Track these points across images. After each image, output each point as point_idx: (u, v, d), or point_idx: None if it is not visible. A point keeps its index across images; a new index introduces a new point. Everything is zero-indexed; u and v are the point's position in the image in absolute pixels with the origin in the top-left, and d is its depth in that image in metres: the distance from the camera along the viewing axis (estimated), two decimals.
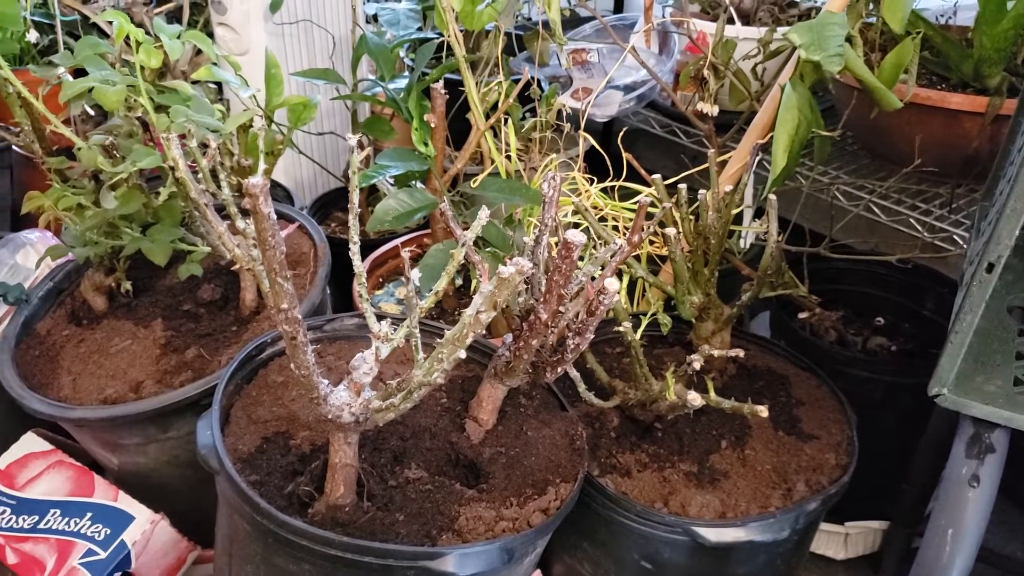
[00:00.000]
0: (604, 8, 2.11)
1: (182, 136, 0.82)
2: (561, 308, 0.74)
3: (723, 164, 1.16)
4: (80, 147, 0.81)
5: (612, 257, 0.84)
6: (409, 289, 0.65)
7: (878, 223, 1.19)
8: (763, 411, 0.76)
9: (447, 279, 0.70)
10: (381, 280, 1.36)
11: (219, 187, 0.80)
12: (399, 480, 0.80)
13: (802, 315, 1.17)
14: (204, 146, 0.80)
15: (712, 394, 0.81)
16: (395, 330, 0.68)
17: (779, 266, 1.13)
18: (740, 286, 1.04)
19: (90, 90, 0.78)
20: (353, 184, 0.62)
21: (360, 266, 0.64)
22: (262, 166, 0.90)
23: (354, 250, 0.64)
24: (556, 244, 0.85)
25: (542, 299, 0.74)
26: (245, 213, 0.71)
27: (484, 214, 0.68)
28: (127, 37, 0.78)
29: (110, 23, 1.06)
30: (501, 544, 0.71)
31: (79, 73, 0.89)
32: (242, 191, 0.98)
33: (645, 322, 0.97)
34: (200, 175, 0.81)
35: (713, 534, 0.83)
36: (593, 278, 0.77)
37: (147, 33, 0.82)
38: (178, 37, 0.82)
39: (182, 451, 0.95)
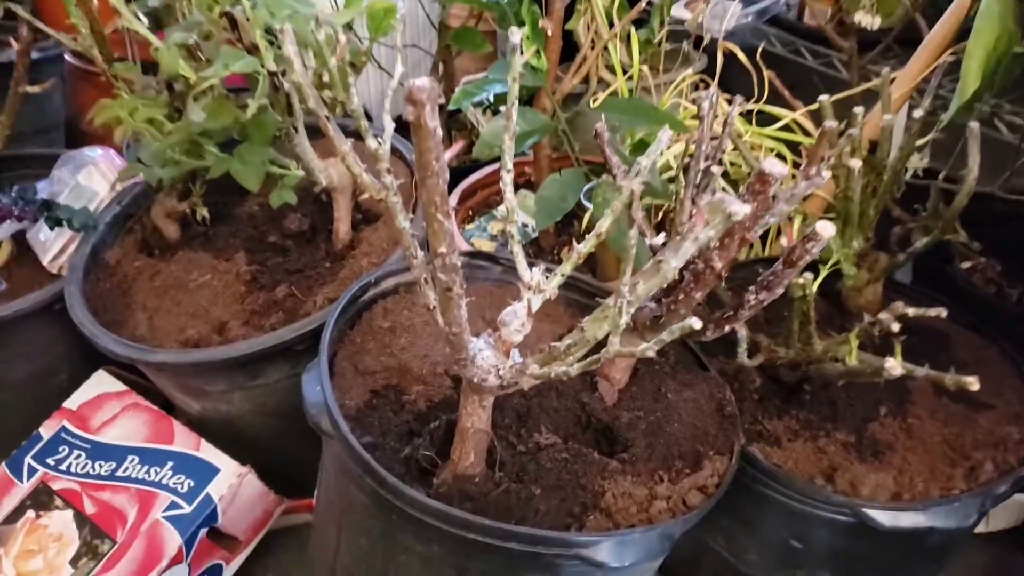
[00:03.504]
0: None
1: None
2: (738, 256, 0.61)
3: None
4: (157, 48, 0.69)
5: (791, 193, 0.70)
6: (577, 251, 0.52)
7: None
8: (973, 383, 0.63)
9: (611, 217, 0.57)
10: (471, 213, 1.23)
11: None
12: (528, 445, 0.69)
13: (964, 264, 1.03)
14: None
15: (900, 358, 0.68)
16: (547, 278, 0.56)
17: (937, 207, 0.98)
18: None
19: None
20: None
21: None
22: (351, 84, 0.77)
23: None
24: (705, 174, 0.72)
25: (718, 244, 0.61)
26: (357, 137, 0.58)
27: (658, 146, 0.55)
28: None
29: None
30: (662, 530, 0.61)
31: None
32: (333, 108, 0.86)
33: (825, 271, 0.82)
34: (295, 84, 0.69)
35: (888, 518, 0.71)
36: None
37: None
38: None
39: (270, 399, 0.86)
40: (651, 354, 0.49)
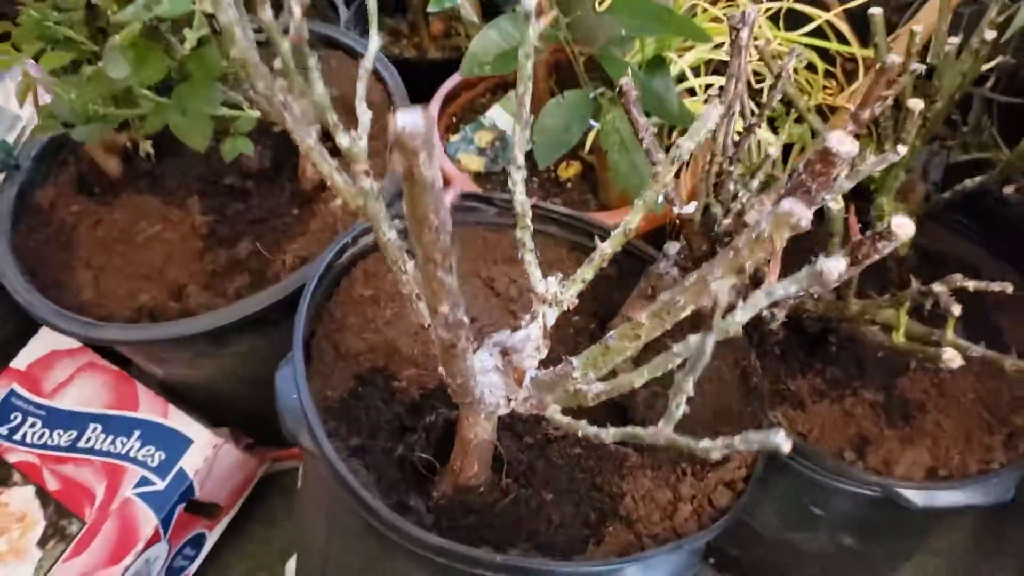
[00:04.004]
0: None
1: None
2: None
3: None
4: None
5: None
6: None
7: None
8: None
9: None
10: (455, 120, 1.09)
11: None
12: (536, 437, 0.62)
13: (1007, 189, 0.93)
14: None
15: (953, 334, 0.60)
16: (564, 288, 0.46)
17: (980, 121, 0.87)
18: None
19: None
20: None
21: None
22: None
23: None
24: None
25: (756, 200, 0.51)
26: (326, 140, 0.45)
27: (703, 127, 0.43)
28: None
29: None
30: (689, 546, 0.54)
31: None
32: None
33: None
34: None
35: (922, 498, 0.66)
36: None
37: None
38: None
39: (241, 366, 0.77)
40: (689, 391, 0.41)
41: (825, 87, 0.89)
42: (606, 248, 0.46)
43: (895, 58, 0.58)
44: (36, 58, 0.58)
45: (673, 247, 0.65)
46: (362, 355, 0.64)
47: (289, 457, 0.97)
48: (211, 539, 0.88)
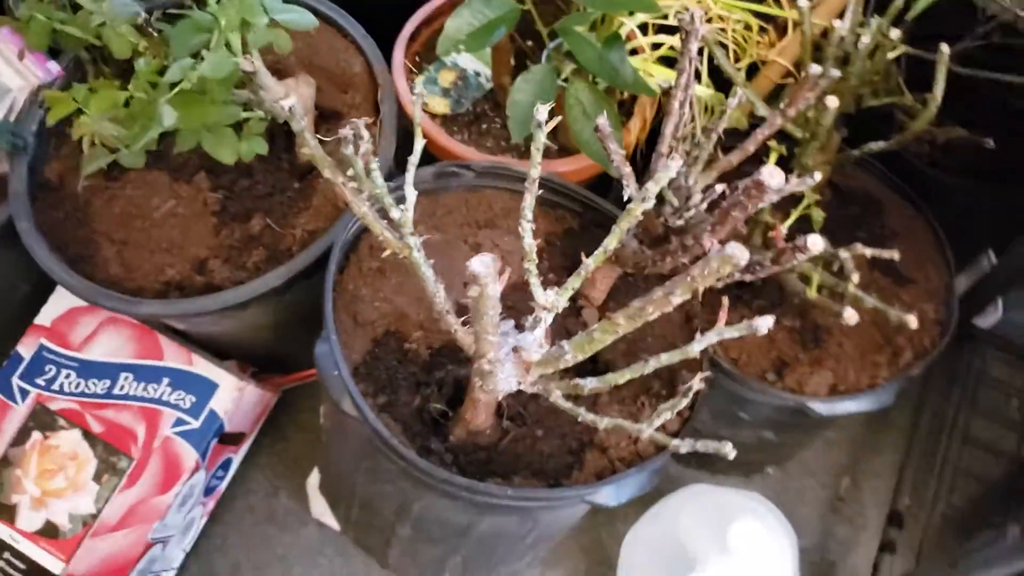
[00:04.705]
0: None
1: None
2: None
3: None
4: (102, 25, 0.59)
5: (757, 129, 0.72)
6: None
7: None
8: (912, 321, 0.73)
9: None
10: (417, 58, 1.15)
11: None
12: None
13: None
14: None
15: (854, 290, 0.76)
16: (559, 296, 0.59)
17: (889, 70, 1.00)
18: None
19: None
20: None
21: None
22: None
23: None
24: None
25: (711, 227, 0.64)
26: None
27: (666, 173, 0.55)
28: None
29: None
30: (652, 468, 0.71)
31: None
32: None
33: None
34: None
35: (826, 408, 0.84)
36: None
37: None
38: None
39: (261, 319, 0.88)
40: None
41: (758, 42, 1.00)
42: (589, 264, 0.59)
43: (817, 69, 0.70)
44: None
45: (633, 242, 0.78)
46: (376, 322, 0.77)
47: (291, 382, 1.10)
48: (236, 460, 1.03)
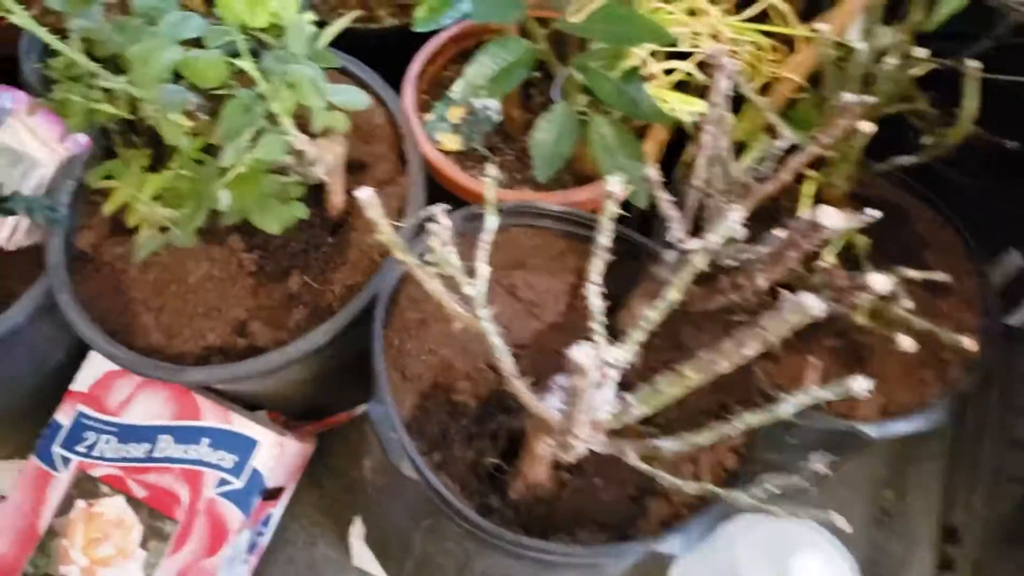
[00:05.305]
0: None
1: None
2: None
3: None
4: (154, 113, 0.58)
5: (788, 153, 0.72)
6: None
7: None
8: (969, 344, 0.72)
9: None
10: (426, 98, 1.15)
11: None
12: None
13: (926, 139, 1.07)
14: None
15: (905, 314, 0.75)
16: (625, 348, 0.59)
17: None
18: None
19: None
20: None
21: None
22: None
23: None
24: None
25: (764, 266, 0.64)
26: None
27: (729, 227, 0.55)
28: None
29: None
30: (716, 512, 0.71)
31: None
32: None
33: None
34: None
35: (877, 431, 0.84)
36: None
37: None
38: None
39: (302, 374, 0.87)
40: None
41: (771, 60, 0.99)
42: (653, 318, 0.58)
43: (851, 98, 0.70)
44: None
45: (671, 255, 0.78)
46: (423, 375, 0.76)
47: (323, 427, 1.10)
48: (277, 514, 1.02)
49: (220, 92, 0.57)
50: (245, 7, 0.50)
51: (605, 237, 0.49)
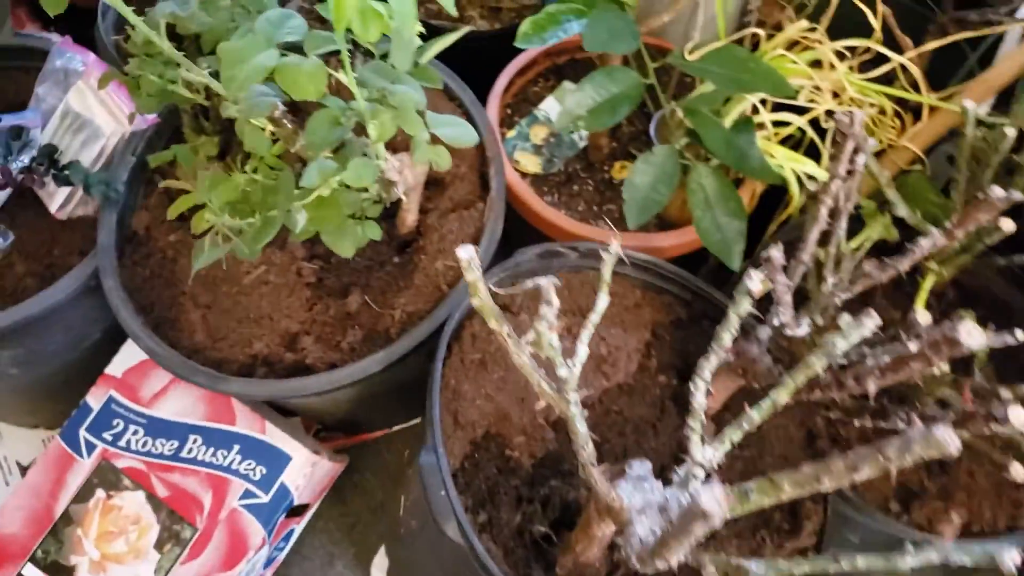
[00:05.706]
0: None
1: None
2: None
3: None
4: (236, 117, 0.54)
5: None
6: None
7: None
8: None
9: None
10: (509, 112, 1.09)
11: None
12: None
13: None
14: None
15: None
16: (717, 447, 0.53)
17: None
18: None
19: None
20: None
21: None
22: None
23: None
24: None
25: (880, 372, 0.57)
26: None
27: (859, 332, 0.48)
28: None
29: None
30: None
31: None
32: None
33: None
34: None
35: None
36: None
37: None
38: None
39: (348, 395, 0.82)
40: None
41: (891, 126, 0.92)
42: (755, 418, 0.52)
43: (1000, 192, 0.62)
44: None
45: (765, 332, 0.71)
46: (476, 422, 0.71)
47: (355, 442, 1.05)
48: (298, 530, 0.97)
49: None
50: (358, 16, 0.45)
51: (729, 334, 0.43)
